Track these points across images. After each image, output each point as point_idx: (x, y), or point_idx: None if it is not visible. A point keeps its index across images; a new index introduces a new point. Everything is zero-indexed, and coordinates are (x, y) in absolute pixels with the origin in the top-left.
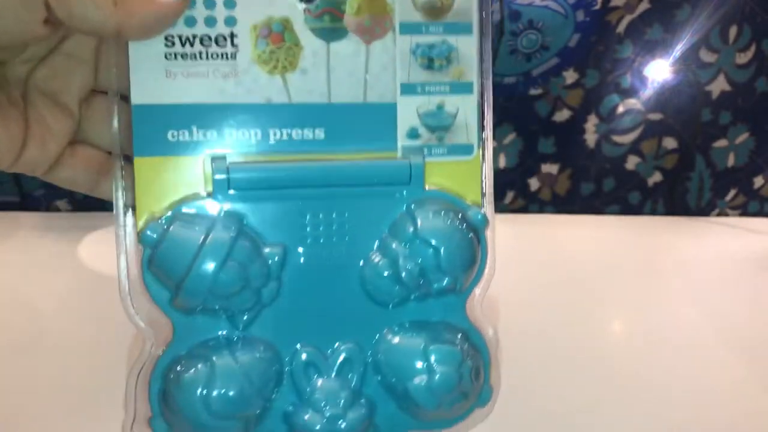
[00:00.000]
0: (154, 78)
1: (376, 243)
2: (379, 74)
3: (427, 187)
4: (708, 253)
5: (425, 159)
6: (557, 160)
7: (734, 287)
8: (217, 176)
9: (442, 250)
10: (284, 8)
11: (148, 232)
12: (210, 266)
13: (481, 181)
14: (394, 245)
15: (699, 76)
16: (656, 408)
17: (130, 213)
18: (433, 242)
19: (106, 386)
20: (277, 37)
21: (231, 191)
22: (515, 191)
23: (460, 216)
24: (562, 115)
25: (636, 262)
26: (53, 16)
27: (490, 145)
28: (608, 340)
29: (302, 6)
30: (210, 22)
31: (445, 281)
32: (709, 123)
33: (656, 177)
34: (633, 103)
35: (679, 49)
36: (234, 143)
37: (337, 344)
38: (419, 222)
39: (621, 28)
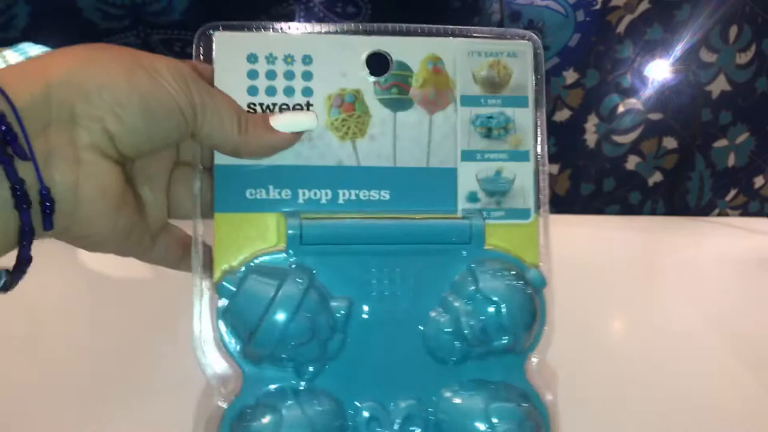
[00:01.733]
0: None
1: (438, 300)
2: (441, 141)
3: (486, 248)
4: (708, 253)
5: (485, 221)
6: (557, 160)
7: (734, 287)
8: (291, 231)
9: (503, 308)
10: (356, 81)
11: (225, 284)
12: (282, 316)
13: (538, 244)
14: (456, 303)
15: (699, 76)
16: (656, 407)
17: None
18: (495, 300)
19: (105, 385)
20: (349, 107)
21: (303, 246)
22: None
23: (519, 276)
24: (562, 115)
25: (636, 262)
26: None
27: (546, 209)
28: (608, 339)
29: (372, 79)
30: (289, 92)
31: (506, 339)
32: (709, 123)
33: (656, 177)
34: (633, 103)
35: (679, 49)
36: (306, 202)
37: (398, 400)
38: (480, 280)
39: (621, 28)
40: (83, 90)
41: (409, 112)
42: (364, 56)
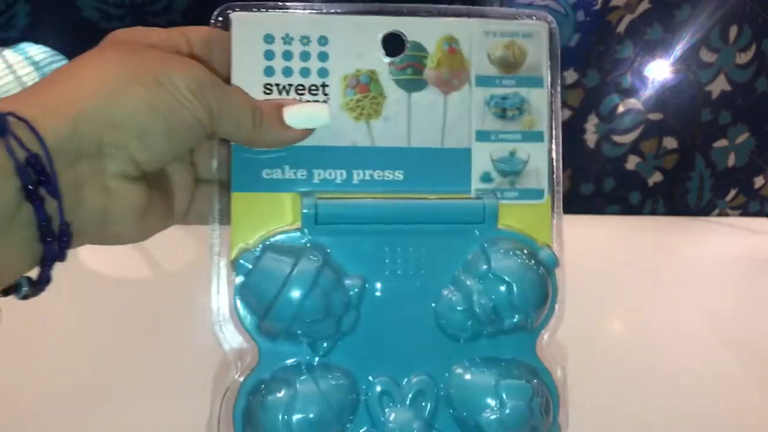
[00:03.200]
0: None
1: (450, 279)
2: (456, 122)
3: (499, 228)
4: (708, 253)
5: (498, 201)
6: None
7: (734, 287)
8: (306, 211)
9: (515, 287)
10: (371, 62)
11: (242, 261)
12: (297, 293)
13: (551, 224)
14: (468, 281)
15: (699, 76)
16: (656, 407)
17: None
18: (507, 279)
19: (105, 385)
20: (364, 88)
21: (317, 225)
22: None
23: (531, 255)
24: (562, 115)
25: (636, 262)
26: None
27: (560, 190)
28: (608, 339)
29: (388, 60)
30: (305, 72)
31: (517, 318)
32: (709, 123)
33: (656, 177)
34: (633, 103)
35: (679, 49)
36: (321, 182)
37: (410, 375)
38: (493, 259)
39: (621, 28)
40: (110, 122)
41: (423, 92)
42: (379, 37)
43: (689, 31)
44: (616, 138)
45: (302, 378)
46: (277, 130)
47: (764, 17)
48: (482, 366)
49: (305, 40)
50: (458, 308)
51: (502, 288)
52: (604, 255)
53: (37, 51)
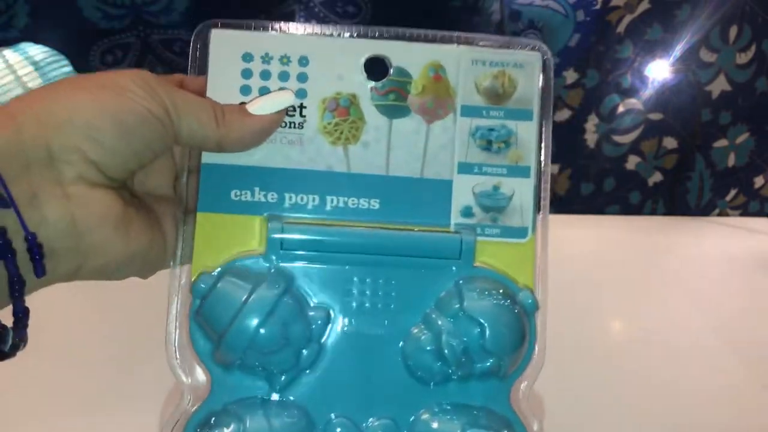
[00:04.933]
0: None
1: (421, 316)
2: (438, 152)
3: (477, 266)
4: (708, 253)
5: (477, 237)
6: (557, 160)
7: (734, 287)
8: (272, 235)
9: (487, 330)
10: (353, 85)
11: (200, 284)
12: (252, 321)
13: (535, 266)
14: (439, 320)
15: (699, 76)
16: (656, 407)
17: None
18: (480, 320)
19: (104, 386)
20: (343, 111)
21: (283, 251)
22: None
23: (509, 297)
24: (562, 115)
25: (636, 262)
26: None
27: (546, 229)
28: (608, 339)
29: (370, 84)
30: None
31: (489, 362)
32: (709, 123)
33: (656, 177)
34: (633, 103)
35: (679, 49)
36: (292, 207)
37: (372, 418)
38: (466, 299)
39: (621, 28)
40: (54, 122)
41: (405, 119)
42: (362, 60)
43: (689, 31)
44: (616, 138)
45: (254, 413)
46: (243, 118)
47: (764, 17)
48: (449, 413)
49: (285, 59)
50: (427, 348)
51: (474, 329)
52: (604, 255)
53: (37, 51)
